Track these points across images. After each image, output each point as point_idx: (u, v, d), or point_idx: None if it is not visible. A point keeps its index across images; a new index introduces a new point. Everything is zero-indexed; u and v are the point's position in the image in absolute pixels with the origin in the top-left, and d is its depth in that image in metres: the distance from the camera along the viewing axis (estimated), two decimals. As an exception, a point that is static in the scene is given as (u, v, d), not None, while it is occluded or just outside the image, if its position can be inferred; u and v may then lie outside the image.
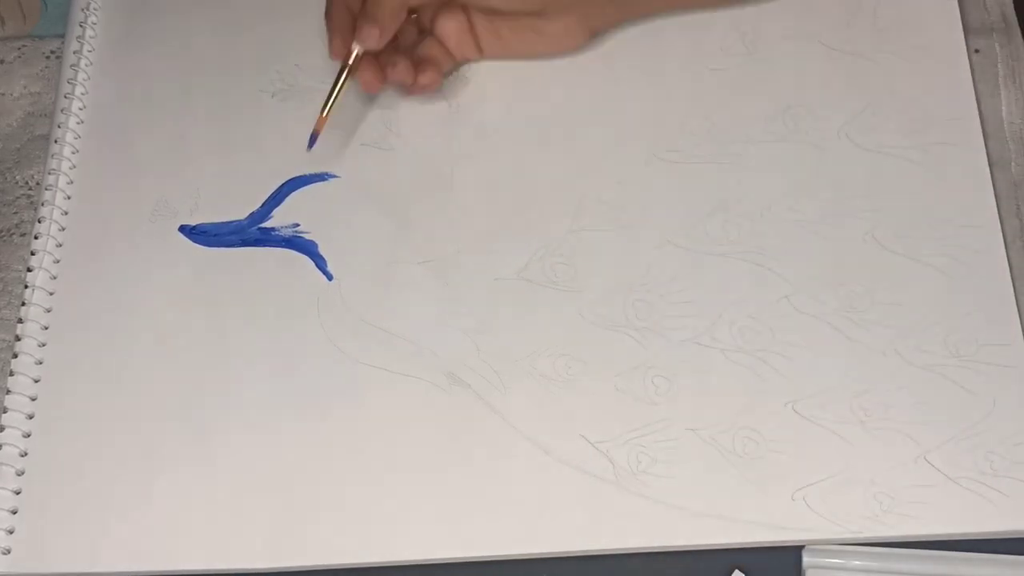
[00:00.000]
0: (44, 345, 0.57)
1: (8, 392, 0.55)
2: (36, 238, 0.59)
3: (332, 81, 0.59)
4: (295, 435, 0.54)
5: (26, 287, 0.58)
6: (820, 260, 0.56)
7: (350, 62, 0.58)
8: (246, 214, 0.60)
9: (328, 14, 0.59)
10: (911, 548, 0.49)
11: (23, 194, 0.62)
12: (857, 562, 0.49)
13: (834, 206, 0.57)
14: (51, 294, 0.58)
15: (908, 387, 0.52)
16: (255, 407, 0.54)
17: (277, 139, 0.61)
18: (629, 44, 0.62)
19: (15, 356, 0.56)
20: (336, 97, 0.58)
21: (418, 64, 0.59)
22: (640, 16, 0.62)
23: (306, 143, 0.59)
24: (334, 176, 0.60)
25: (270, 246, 0.59)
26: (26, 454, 0.54)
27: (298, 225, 0.59)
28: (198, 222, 0.60)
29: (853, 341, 0.54)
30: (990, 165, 0.57)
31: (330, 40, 0.58)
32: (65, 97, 0.63)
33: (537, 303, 0.56)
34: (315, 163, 0.60)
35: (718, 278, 0.56)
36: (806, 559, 0.49)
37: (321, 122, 0.59)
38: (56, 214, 0.60)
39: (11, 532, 0.52)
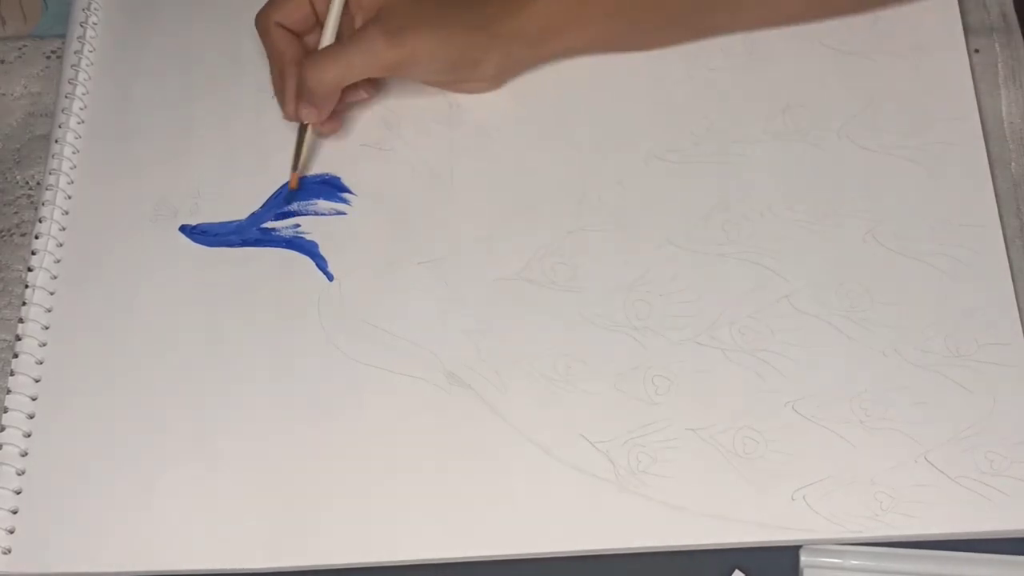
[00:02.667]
0: (44, 345, 0.57)
1: (8, 392, 0.55)
2: (36, 238, 0.59)
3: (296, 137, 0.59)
4: (295, 435, 0.54)
5: (26, 287, 0.58)
6: (820, 260, 0.56)
7: (306, 127, 0.59)
8: (246, 214, 0.60)
9: (274, 83, 0.60)
10: (910, 548, 0.49)
11: (23, 194, 0.62)
12: (855, 562, 0.49)
13: (834, 206, 0.57)
14: (51, 294, 0.58)
15: (908, 387, 0.52)
16: (255, 407, 0.55)
17: (278, 139, 0.61)
18: (629, 44, 0.62)
19: (15, 356, 0.56)
20: (302, 153, 0.59)
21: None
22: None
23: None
24: (334, 177, 0.60)
25: (271, 246, 0.59)
26: (26, 454, 0.54)
27: (299, 225, 0.59)
28: (198, 222, 0.60)
29: (853, 341, 0.54)
30: (990, 165, 0.57)
31: (281, 105, 0.60)
32: (65, 97, 0.63)
33: (537, 303, 0.56)
34: (315, 164, 0.61)
35: (718, 278, 0.56)
36: (803, 558, 0.49)
37: (295, 178, 0.59)
38: (56, 214, 0.60)
39: (11, 532, 0.52)
